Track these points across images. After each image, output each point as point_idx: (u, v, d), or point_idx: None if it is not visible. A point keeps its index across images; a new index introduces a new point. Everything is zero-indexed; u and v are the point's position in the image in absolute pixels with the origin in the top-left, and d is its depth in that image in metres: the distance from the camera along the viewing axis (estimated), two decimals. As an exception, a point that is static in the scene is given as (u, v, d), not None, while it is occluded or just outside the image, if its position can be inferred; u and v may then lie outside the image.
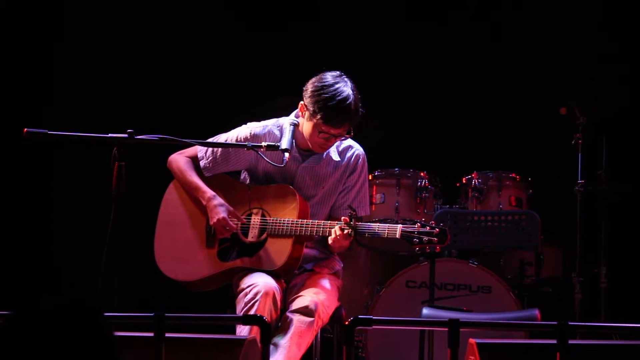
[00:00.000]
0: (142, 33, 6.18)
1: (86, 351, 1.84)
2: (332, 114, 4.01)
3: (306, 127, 4.13)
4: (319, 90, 4.04)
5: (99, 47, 6.14)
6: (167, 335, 2.75)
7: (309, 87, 4.09)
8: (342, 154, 4.29)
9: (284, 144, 3.96)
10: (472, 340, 3.04)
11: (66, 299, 1.87)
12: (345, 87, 4.04)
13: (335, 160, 4.27)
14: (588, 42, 6.20)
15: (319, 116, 4.02)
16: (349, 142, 4.31)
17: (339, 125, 4.05)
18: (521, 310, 4.96)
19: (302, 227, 4.07)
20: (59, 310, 1.86)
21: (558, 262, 5.89)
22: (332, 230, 4.00)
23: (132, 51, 6.18)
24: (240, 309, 3.97)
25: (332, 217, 4.25)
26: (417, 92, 6.41)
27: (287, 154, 3.94)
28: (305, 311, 3.97)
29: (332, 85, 4.04)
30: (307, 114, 4.10)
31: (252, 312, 3.89)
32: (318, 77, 4.10)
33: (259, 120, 4.31)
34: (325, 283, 4.17)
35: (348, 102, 4.02)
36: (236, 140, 4.21)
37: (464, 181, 5.72)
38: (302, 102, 4.13)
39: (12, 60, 6.03)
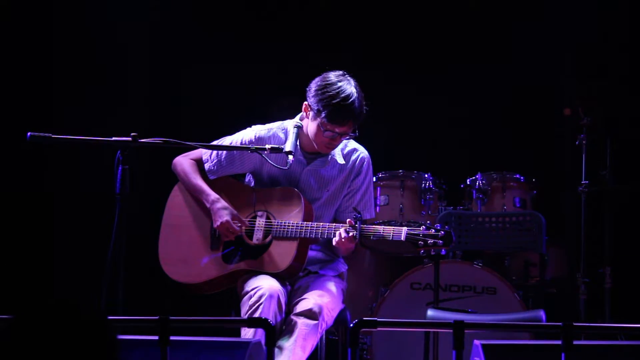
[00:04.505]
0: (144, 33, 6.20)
1: (85, 354, 1.84)
2: (336, 112, 4.01)
3: (311, 127, 4.12)
4: (323, 89, 4.04)
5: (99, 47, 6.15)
6: (171, 338, 2.76)
7: (312, 86, 4.09)
8: (346, 157, 4.29)
9: (288, 146, 3.96)
10: (477, 342, 3.04)
11: (64, 302, 1.87)
12: (348, 85, 4.04)
13: (340, 163, 4.26)
14: (592, 42, 6.19)
15: (323, 114, 4.02)
16: (354, 145, 4.31)
17: (344, 123, 4.04)
18: (526, 311, 4.95)
19: (307, 229, 4.07)
20: (58, 313, 1.86)
21: (563, 263, 5.89)
22: (337, 232, 4.00)
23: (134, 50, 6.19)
24: (244, 312, 3.96)
25: (337, 220, 4.25)
26: (421, 92, 6.40)
27: (291, 157, 3.94)
28: (309, 314, 3.96)
29: (335, 83, 4.04)
30: (311, 113, 4.10)
31: (256, 314, 3.89)
32: (321, 76, 4.10)
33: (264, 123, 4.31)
34: (330, 285, 4.16)
35: (351, 99, 4.01)
36: (241, 143, 4.20)
37: (468, 182, 5.72)
38: (305, 102, 4.13)
39: (14, 63, 6.02)
